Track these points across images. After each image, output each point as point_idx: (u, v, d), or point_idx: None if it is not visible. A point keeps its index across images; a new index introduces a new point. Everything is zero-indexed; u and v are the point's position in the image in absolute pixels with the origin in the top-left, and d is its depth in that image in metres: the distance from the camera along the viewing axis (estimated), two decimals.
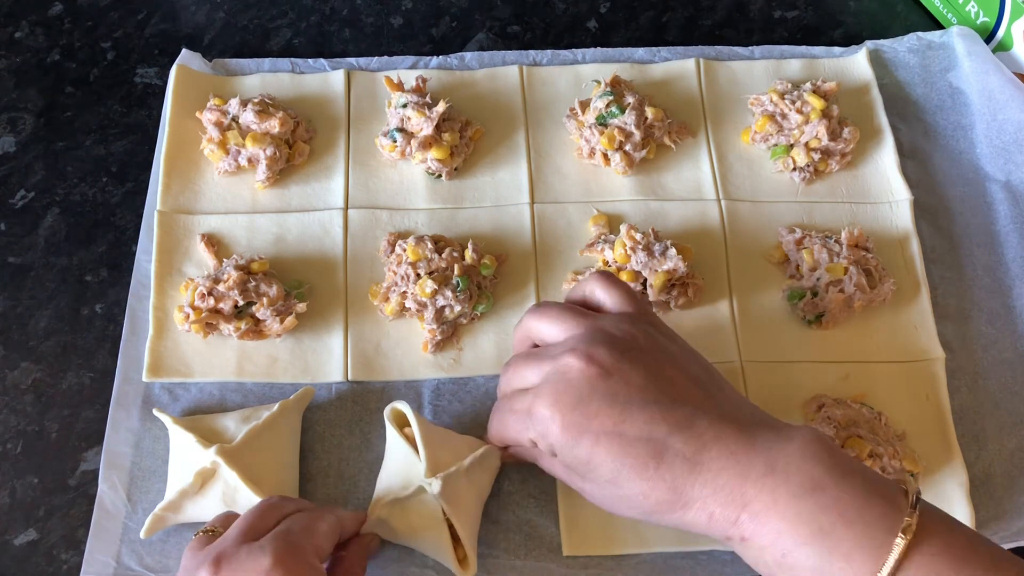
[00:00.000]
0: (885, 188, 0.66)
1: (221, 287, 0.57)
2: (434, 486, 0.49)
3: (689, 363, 0.46)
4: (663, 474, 0.41)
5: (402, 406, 0.52)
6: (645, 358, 0.44)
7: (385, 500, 0.50)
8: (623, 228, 0.59)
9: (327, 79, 0.69)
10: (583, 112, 0.66)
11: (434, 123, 0.63)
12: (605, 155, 0.65)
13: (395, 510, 0.50)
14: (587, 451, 0.42)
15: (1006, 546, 0.55)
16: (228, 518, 0.48)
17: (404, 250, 0.59)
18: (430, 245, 0.59)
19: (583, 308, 0.49)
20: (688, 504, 0.41)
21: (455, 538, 0.50)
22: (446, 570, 0.52)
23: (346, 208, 0.64)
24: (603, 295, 0.49)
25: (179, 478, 0.52)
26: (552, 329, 0.48)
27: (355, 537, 0.49)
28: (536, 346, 0.50)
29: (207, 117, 0.64)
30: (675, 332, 0.49)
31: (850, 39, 0.75)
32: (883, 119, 0.68)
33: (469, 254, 0.59)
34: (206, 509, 0.51)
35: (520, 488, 0.55)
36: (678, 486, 0.41)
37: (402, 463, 0.52)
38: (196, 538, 0.46)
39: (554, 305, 0.49)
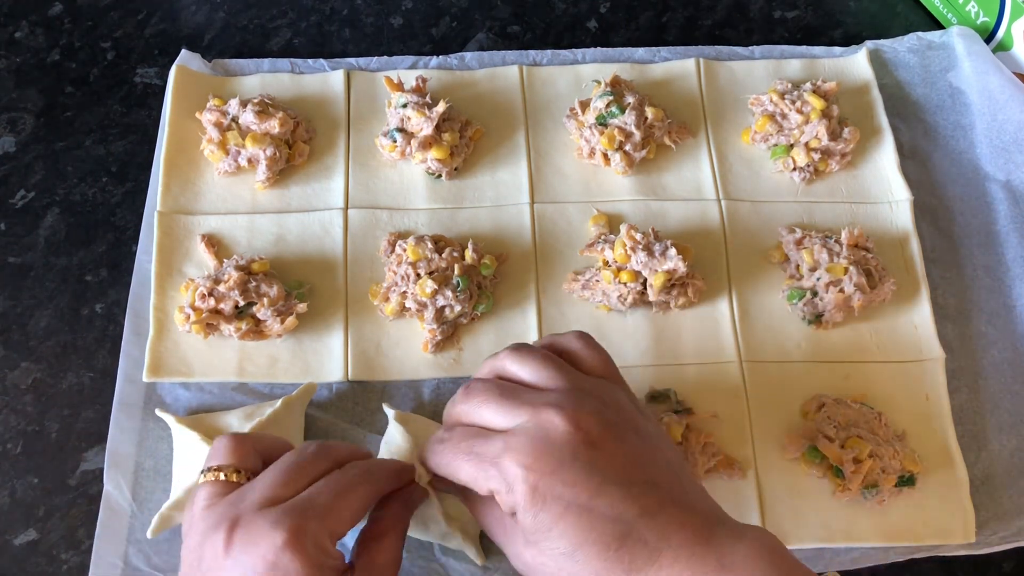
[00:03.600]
0: (885, 188, 0.66)
1: (221, 287, 0.57)
2: (423, 478, 0.49)
3: (662, 445, 0.44)
4: (622, 556, 0.39)
5: (386, 409, 0.54)
6: (627, 435, 0.42)
7: None
8: (623, 228, 0.59)
9: (327, 79, 0.69)
10: (583, 112, 0.66)
11: (434, 123, 0.63)
12: (605, 155, 0.65)
13: None
14: (551, 519, 0.40)
15: (1006, 546, 0.55)
16: (239, 449, 0.44)
17: (404, 250, 0.59)
18: (430, 245, 0.59)
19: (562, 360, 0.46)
20: None
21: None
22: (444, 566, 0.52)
23: (346, 208, 0.64)
24: (586, 353, 0.46)
25: (184, 476, 0.52)
26: (533, 374, 0.44)
27: (394, 495, 0.47)
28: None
29: (207, 118, 0.64)
30: (646, 407, 0.47)
31: (850, 39, 0.75)
32: (883, 119, 0.68)
33: (469, 254, 0.59)
34: None
35: None
36: (633, 572, 0.39)
37: (398, 455, 0.52)
38: (210, 483, 0.43)
39: (536, 350, 0.45)
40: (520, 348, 0.46)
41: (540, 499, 0.40)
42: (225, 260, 0.60)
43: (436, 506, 0.49)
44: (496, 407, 0.43)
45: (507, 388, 0.44)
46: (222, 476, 0.43)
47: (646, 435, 0.43)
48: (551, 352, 0.46)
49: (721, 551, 0.40)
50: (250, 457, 0.44)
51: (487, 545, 0.53)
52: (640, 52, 0.71)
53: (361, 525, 0.46)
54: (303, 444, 0.45)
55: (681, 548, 0.40)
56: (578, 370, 0.46)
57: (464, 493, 0.45)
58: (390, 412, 0.54)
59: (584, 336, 0.47)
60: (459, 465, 0.43)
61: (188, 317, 0.57)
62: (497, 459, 0.41)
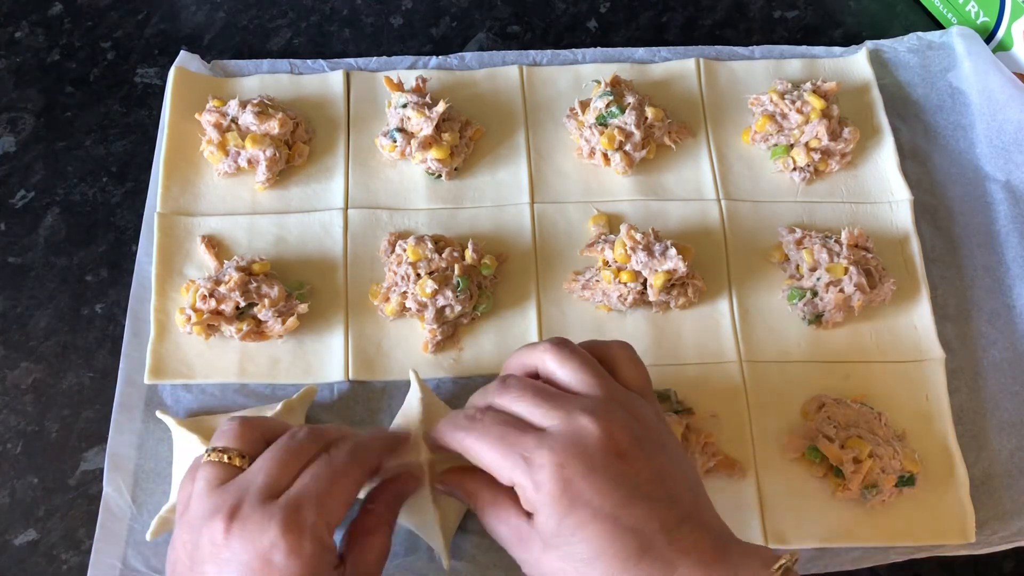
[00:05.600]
0: (885, 188, 0.66)
1: (222, 288, 0.57)
2: (423, 455, 0.48)
3: (683, 463, 0.45)
4: (641, 569, 0.40)
5: (412, 375, 0.53)
6: (654, 450, 0.43)
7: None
8: (623, 228, 0.59)
9: (326, 80, 0.69)
10: (583, 112, 0.66)
11: (434, 123, 0.63)
12: (605, 155, 0.65)
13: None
14: (576, 524, 0.40)
15: (1006, 546, 0.55)
16: (246, 434, 0.45)
17: (404, 250, 0.59)
18: (430, 245, 0.59)
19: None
20: None
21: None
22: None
23: (346, 208, 0.64)
24: (625, 364, 0.47)
25: None
26: (570, 377, 0.45)
27: (387, 486, 0.47)
28: (535, 378, 0.47)
29: (206, 119, 0.64)
30: (670, 427, 0.48)
31: (850, 39, 0.75)
32: (883, 119, 0.68)
33: (469, 254, 0.59)
34: None
35: None
36: None
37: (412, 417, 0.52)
38: (213, 463, 0.44)
39: (577, 351, 0.46)
40: (562, 346, 0.46)
41: (568, 501, 0.40)
42: (226, 261, 0.60)
43: (428, 495, 0.49)
44: (531, 404, 0.44)
45: (542, 389, 0.45)
46: (226, 459, 0.44)
47: (670, 453, 0.44)
48: (591, 356, 0.47)
49: (736, 568, 0.40)
50: (256, 443, 0.45)
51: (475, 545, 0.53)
52: (640, 52, 0.71)
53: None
54: (295, 428, 0.46)
55: (697, 565, 0.40)
56: (614, 379, 0.46)
57: (471, 497, 0.46)
58: (412, 375, 0.53)
59: (626, 347, 0.48)
60: (485, 448, 0.43)
61: (189, 318, 0.57)
62: (529, 453, 0.42)
